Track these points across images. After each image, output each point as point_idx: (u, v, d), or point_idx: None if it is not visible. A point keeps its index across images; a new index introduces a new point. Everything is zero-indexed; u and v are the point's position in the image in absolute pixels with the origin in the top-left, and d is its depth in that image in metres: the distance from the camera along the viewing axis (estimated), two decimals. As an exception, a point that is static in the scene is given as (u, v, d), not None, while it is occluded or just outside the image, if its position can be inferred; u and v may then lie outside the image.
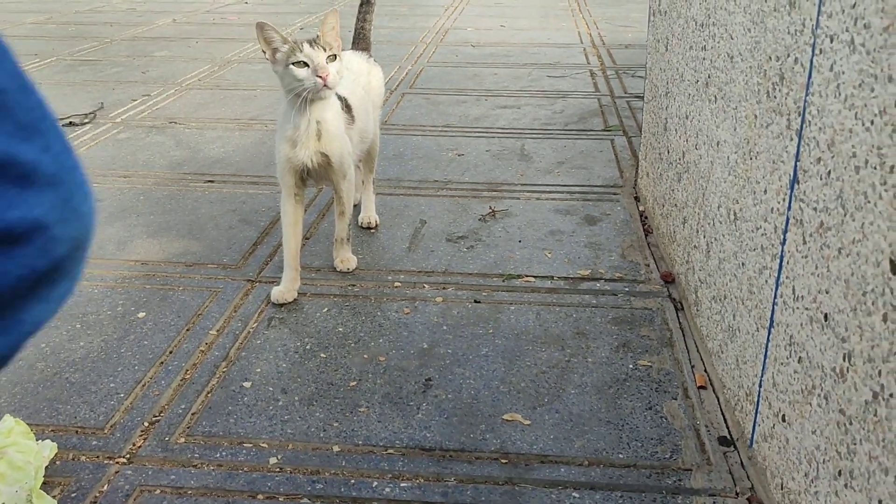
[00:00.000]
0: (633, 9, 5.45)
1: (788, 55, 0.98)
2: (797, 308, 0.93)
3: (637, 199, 2.11)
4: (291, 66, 1.50)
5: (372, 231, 1.95)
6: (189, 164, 2.41)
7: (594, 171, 2.33)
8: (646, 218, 1.99)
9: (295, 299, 1.63)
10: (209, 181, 2.28)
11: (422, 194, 2.18)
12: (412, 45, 4.17)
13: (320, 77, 1.49)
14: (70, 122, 2.81)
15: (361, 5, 1.92)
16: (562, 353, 1.43)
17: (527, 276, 1.72)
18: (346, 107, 1.68)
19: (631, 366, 1.40)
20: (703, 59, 1.42)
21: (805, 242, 0.91)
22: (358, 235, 1.91)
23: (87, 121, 2.84)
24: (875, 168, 0.72)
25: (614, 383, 1.35)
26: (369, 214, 1.97)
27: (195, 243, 1.89)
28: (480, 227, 1.97)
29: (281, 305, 1.61)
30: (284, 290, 1.62)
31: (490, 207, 2.07)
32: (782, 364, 0.98)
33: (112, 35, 4.54)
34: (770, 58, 1.05)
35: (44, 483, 1.11)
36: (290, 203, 1.64)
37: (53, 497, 1.09)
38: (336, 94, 1.61)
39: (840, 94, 0.80)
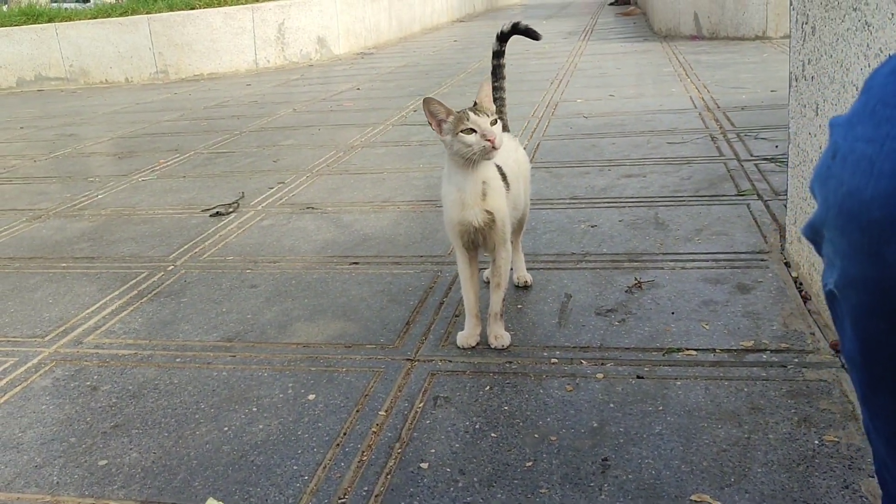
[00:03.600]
0: (742, 69, 5.41)
1: None
2: None
3: (787, 264, 2.06)
4: (461, 134, 1.59)
5: (519, 307, 1.97)
6: (332, 248, 2.52)
7: (735, 237, 2.30)
8: (801, 284, 1.93)
9: (477, 344, 1.78)
10: (353, 263, 2.37)
11: (562, 268, 2.19)
12: (524, 120, 4.25)
13: (488, 140, 1.57)
14: (217, 213, 2.99)
15: (495, 100, 1.99)
16: (740, 430, 1.39)
17: (687, 349, 1.69)
18: (502, 175, 1.75)
19: (817, 441, 1.35)
20: (871, 123, 1.39)
21: None
22: (506, 312, 1.93)
23: (231, 210, 3.02)
24: None
25: (802, 461, 1.30)
26: (522, 274, 2.06)
27: (351, 325, 1.95)
28: (628, 299, 1.96)
29: (465, 349, 1.78)
30: (468, 335, 1.78)
31: (635, 279, 2.06)
32: None
33: (240, 127, 4.84)
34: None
35: (249, 566, 1.15)
36: (465, 260, 1.77)
37: (260, 580, 1.13)
38: (494, 163, 1.70)
39: None
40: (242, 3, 8.23)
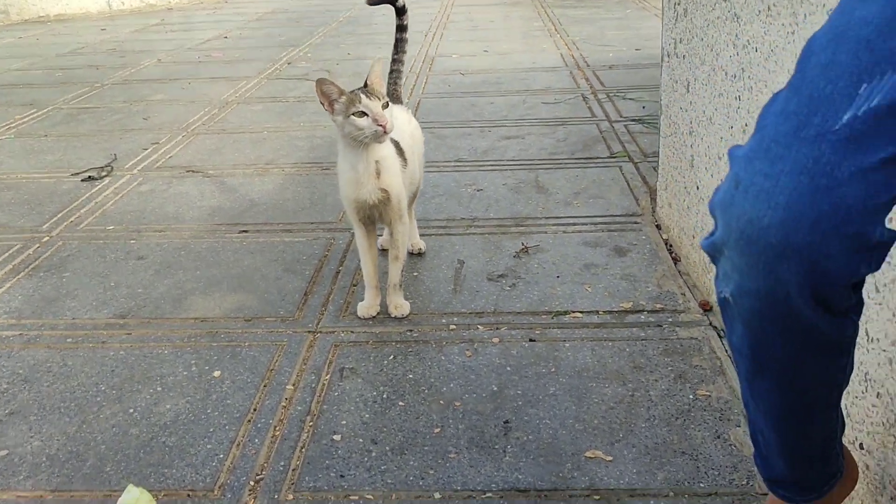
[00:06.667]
0: (607, 26, 5.62)
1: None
2: (872, 349, 1.05)
3: (658, 227, 2.23)
4: (352, 117, 1.61)
5: (415, 274, 2.04)
6: (219, 214, 2.48)
7: (611, 200, 2.45)
8: (671, 246, 2.11)
9: (377, 314, 1.84)
10: (243, 231, 2.35)
11: (452, 233, 2.27)
12: (402, 76, 4.25)
13: (380, 125, 1.60)
14: (89, 177, 2.85)
15: (391, 73, 2.03)
16: (625, 388, 1.54)
17: (573, 311, 1.82)
18: (399, 150, 1.79)
19: (691, 396, 1.51)
20: (738, 108, 1.54)
21: (878, 291, 1.02)
22: (403, 280, 1.99)
23: (104, 174, 2.89)
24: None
25: (680, 415, 1.46)
26: (416, 241, 2.13)
27: (248, 297, 1.96)
28: (516, 264, 2.07)
29: (366, 319, 1.84)
30: (368, 305, 1.84)
31: (522, 244, 2.17)
32: (857, 397, 1.10)
33: (101, 79, 4.57)
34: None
35: (175, 549, 1.18)
36: (362, 234, 1.82)
37: (188, 562, 1.16)
38: (390, 138, 1.73)
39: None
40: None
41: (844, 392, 1.09)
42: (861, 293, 0.73)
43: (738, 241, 0.68)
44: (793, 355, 0.75)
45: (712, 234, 0.73)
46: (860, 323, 1.04)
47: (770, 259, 0.66)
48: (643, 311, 1.81)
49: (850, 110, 0.63)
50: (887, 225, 0.67)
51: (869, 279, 1.05)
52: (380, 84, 1.70)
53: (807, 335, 0.72)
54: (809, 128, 0.65)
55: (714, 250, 0.73)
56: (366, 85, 1.68)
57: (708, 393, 1.51)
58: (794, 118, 0.66)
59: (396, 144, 1.80)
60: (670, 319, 1.77)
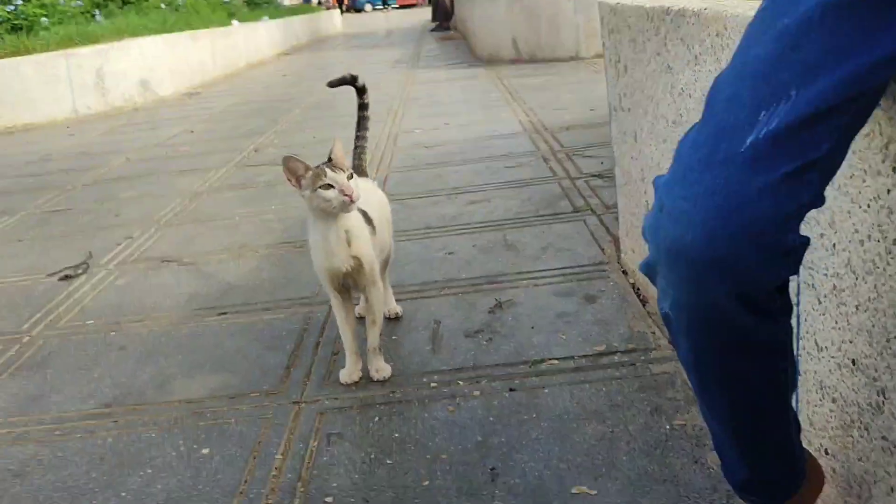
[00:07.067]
0: (562, 91, 5.84)
1: (773, 150, 1.20)
2: (822, 357, 1.11)
3: (625, 272, 2.31)
4: (319, 190, 1.68)
5: (395, 338, 2.09)
6: (197, 300, 2.52)
7: (577, 251, 2.54)
8: (638, 289, 2.18)
9: (360, 379, 1.87)
10: (222, 314, 2.40)
11: (427, 296, 2.34)
12: (368, 153, 4.38)
13: (347, 195, 1.68)
14: (66, 276, 2.89)
15: (356, 148, 2.12)
16: (604, 426, 1.59)
17: (550, 359, 1.88)
18: (368, 220, 1.86)
19: (668, 427, 1.56)
20: (681, 150, 1.64)
21: (820, 302, 1.10)
22: (383, 344, 2.04)
23: (80, 272, 2.93)
24: (878, 241, 0.92)
25: (658, 445, 1.51)
26: (392, 306, 2.18)
27: (231, 376, 1.99)
28: (492, 319, 2.13)
29: (348, 385, 1.87)
30: (350, 371, 1.88)
31: (496, 299, 2.24)
32: (816, 406, 1.16)
33: (72, 182, 4.64)
34: (754, 152, 1.27)
35: None
36: (338, 302, 1.87)
37: None
38: (358, 208, 1.81)
39: (833, 184, 1.00)
40: (54, 50, 7.84)
41: (805, 402, 1.16)
42: (787, 296, 0.80)
43: (667, 260, 0.76)
44: (732, 361, 0.81)
45: (648, 256, 0.80)
46: (810, 334, 1.12)
47: (697, 273, 0.74)
48: (616, 352, 1.88)
49: (752, 135, 0.72)
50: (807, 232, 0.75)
51: (810, 292, 1.12)
52: (342, 157, 1.78)
53: (741, 340, 0.79)
54: (718, 153, 0.73)
55: (650, 271, 0.80)
56: (329, 159, 1.77)
57: (683, 422, 1.57)
58: (704, 147, 0.75)
59: (364, 214, 1.87)
60: (643, 357, 1.83)
